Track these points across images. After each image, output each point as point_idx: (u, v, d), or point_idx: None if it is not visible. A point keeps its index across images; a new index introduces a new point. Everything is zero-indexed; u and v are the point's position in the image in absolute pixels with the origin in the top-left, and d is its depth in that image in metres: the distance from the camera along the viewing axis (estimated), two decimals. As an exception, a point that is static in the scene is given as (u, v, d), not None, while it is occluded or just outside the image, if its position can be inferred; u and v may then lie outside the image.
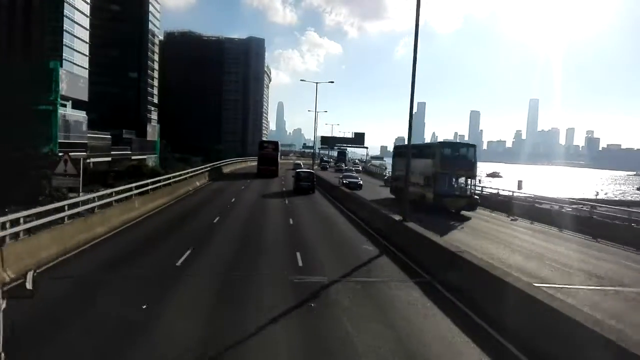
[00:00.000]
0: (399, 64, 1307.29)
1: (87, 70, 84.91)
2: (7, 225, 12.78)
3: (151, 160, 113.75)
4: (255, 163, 65.68)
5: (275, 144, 64.33)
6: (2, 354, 4.74)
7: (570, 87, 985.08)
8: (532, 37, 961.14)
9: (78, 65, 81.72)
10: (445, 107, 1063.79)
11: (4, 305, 4.67)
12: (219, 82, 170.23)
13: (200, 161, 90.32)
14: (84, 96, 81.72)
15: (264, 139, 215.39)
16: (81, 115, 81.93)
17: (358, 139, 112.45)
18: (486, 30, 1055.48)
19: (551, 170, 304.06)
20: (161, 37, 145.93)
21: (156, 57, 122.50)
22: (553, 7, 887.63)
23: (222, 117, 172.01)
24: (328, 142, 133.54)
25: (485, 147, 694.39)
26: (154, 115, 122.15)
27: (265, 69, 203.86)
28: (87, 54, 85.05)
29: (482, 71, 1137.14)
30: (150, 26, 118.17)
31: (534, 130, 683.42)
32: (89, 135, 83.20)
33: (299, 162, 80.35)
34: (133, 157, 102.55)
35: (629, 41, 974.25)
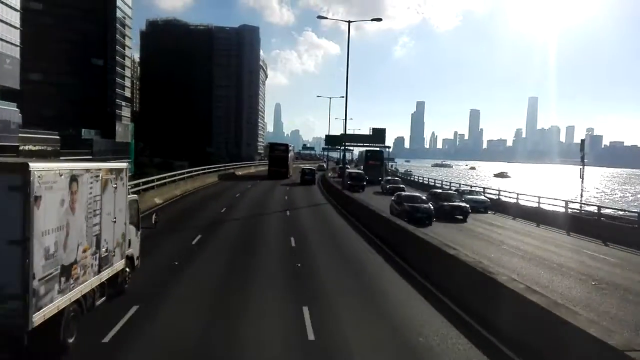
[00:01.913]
0: (398, 64, 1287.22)
1: (19, 49, 61.71)
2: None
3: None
4: (263, 168, 68.38)
5: (286, 146, 66.17)
6: (139, 257, 11.11)
7: (568, 85, 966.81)
8: (531, 35, 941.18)
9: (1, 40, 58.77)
10: (445, 107, 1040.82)
11: (140, 232, 11.21)
12: (208, 76, 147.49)
13: (187, 166, 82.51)
14: (13, 83, 59.08)
15: (260, 140, 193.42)
16: (11, 109, 59.45)
17: (377, 137, 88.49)
18: (485, 27, 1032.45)
19: (556, 169, 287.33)
20: (136, 22, 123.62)
21: (127, 42, 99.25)
22: (552, 4, 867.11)
23: (212, 116, 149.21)
24: (336, 141, 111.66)
25: (485, 146, 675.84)
26: (126, 112, 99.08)
27: (261, 63, 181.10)
28: (18, 26, 61.82)
29: (481, 69, 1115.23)
30: (119, 4, 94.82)
31: (534, 129, 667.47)
32: (21, 135, 60.62)
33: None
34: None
35: (627, 40, 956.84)
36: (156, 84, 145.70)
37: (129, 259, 10.34)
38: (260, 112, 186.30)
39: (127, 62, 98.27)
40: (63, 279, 6.96)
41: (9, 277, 6.10)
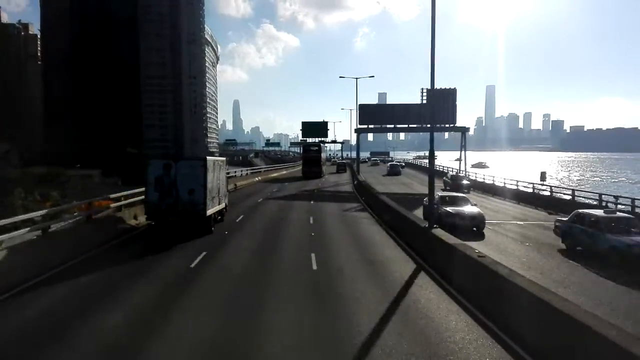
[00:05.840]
0: (358, 56, 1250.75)
1: None
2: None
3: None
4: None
5: (319, 146, 66.87)
6: (228, 205, 22.92)
7: (524, 73, 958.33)
8: (489, 23, 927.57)
9: None
10: (406, 97, 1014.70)
11: (228, 193, 23.84)
12: (133, 50, 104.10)
13: (98, 176, 58.13)
14: None
15: (213, 136, 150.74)
16: None
17: (454, 115, 46.13)
18: (446, 15, 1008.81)
19: (526, 155, 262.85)
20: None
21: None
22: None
23: (141, 105, 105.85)
24: (318, 130, 72.42)
25: (446, 136, 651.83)
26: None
27: (209, 38, 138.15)
28: None
29: (442, 58, 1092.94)
30: None
31: (492, 116, 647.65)
32: None
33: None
34: None
35: (577, 28, 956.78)
36: (61, 62, 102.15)
37: (225, 205, 22.05)
38: (210, 102, 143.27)
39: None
40: (211, 202, 18.38)
41: (200, 197, 17.41)
